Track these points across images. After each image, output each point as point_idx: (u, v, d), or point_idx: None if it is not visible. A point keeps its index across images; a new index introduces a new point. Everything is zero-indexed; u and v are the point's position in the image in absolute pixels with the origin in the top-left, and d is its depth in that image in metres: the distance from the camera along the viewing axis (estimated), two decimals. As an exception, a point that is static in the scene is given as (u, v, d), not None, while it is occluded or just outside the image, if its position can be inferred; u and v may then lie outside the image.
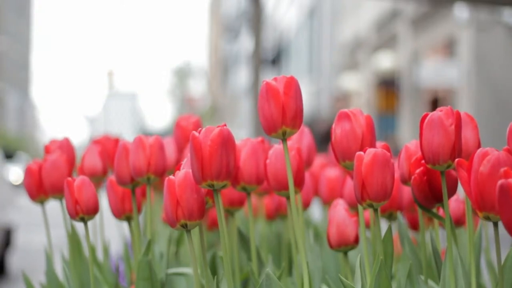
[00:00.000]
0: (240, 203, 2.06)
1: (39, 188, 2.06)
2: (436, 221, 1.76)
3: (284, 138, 1.53)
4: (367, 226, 2.02)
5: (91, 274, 1.77)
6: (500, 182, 1.12)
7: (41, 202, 2.08)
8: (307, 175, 2.11)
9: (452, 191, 1.61)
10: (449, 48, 15.25)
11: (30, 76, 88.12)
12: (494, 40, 13.66)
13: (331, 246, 1.74)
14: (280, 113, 1.50)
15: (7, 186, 8.14)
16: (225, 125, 1.48)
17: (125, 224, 3.66)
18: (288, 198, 1.73)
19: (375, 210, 1.47)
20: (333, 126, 1.59)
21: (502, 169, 1.18)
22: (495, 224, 1.34)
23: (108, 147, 2.37)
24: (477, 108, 13.32)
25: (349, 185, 2.08)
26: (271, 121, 1.51)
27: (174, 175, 1.50)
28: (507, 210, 1.12)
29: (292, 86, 1.51)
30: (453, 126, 1.45)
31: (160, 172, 1.81)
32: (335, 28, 24.71)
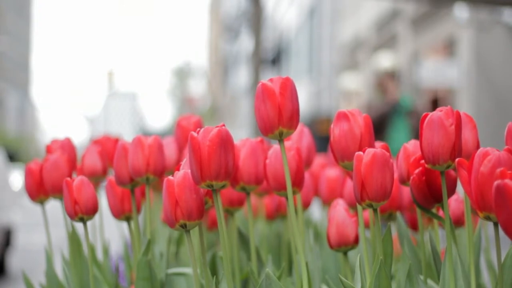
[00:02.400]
0: (239, 203, 2.06)
1: (39, 188, 2.06)
2: (435, 221, 1.76)
3: (280, 138, 1.53)
4: (367, 226, 2.02)
5: (91, 274, 1.77)
6: (496, 183, 1.12)
7: (41, 202, 2.08)
8: (307, 175, 2.12)
9: (451, 191, 1.61)
10: (449, 48, 15.25)
11: (30, 76, 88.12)
12: (494, 40, 13.65)
13: (331, 246, 1.74)
14: (277, 114, 1.51)
15: (10, 187, 8.14)
16: (223, 125, 1.48)
17: (125, 224, 3.66)
18: (287, 198, 1.73)
19: (375, 210, 1.47)
20: (332, 126, 1.59)
21: (498, 170, 1.18)
22: (495, 224, 1.34)
23: (108, 147, 2.37)
24: (477, 108, 13.32)
25: (349, 185, 2.08)
26: (267, 121, 1.51)
27: (173, 175, 1.50)
28: (504, 211, 1.12)
29: (288, 86, 1.51)
30: (453, 126, 1.45)
31: (159, 172, 1.81)
32: (335, 28, 24.70)
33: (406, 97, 7.35)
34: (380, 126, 6.92)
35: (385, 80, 7.29)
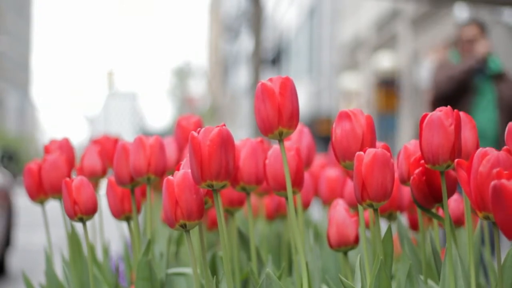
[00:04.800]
0: (239, 203, 2.06)
1: (38, 188, 2.06)
2: (435, 221, 1.76)
3: (280, 138, 1.53)
4: (367, 226, 2.02)
5: (91, 274, 1.77)
6: (493, 183, 1.13)
7: (41, 202, 2.08)
8: (307, 175, 2.11)
9: (451, 191, 1.61)
10: (449, 48, 15.24)
11: (30, 76, 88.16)
12: (494, 40, 13.65)
13: (331, 246, 1.74)
14: (276, 114, 1.51)
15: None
16: (224, 125, 1.48)
17: (125, 224, 3.66)
18: (287, 198, 1.73)
19: (375, 210, 1.47)
20: (333, 125, 1.59)
21: (494, 170, 1.18)
22: (495, 224, 1.34)
23: (107, 147, 2.37)
24: (477, 108, 13.31)
25: (349, 185, 2.08)
26: (267, 122, 1.51)
27: (173, 175, 1.50)
28: (501, 211, 1.12)
29: (288, 86, 1.52)
30: (452, 126, 1.45)
31: (160, 172, 1.81)
32: (335, 28, 24.70)
33: (494, 57, 5.14)
34: (462, 89, 4.88)
35: (473, 32, 5.02)
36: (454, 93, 4.89)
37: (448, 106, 1.48)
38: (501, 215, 1.13)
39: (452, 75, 4.86)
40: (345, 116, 1.57)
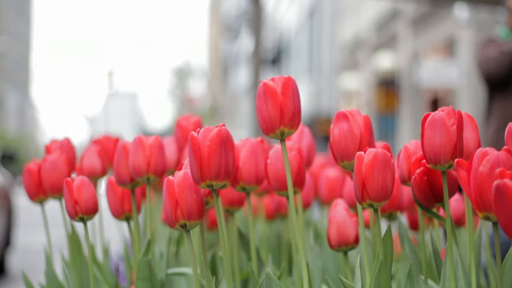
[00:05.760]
0: (239, 203, 2.06)
1: (38, 188, 2.06)
2: (436, 221, 1.76)
3: (282, 138, 1.53)
4: (367, 226, 2.02)
5: (91, 274, 1.77)
6: (495, 182, 1.12)
7: (41, 202, 2.08)
8: (307, 175, 2.11)
9: (452, 191, 1.60)
10: (449, 48, 15.24)
11: (30, 76, 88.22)
12: (494, 40, 13.62)
13: (331, 246, 1.74)
14: (278, 114, 1.50)
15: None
16: (223, 125, 1.48)
17: (125, 224, 3.66)
18: (288, 198, 1.73)
19: (375, 210, 1.47)
20: (331, 126, 1.59)
21: (497, 170, 1.18)
22: (495, 224, 1.34)
23: (107, 147, 2.37)
24: (477, 108, 13.32)
25: (349, 185, 2.07)
26: (269, 121, 1.51)
27: (173, 175, 1.50)
28: (503, 211, 1.12)
29: (290, 86, 1.51)
30: (455, 126, 1.45)
31: (159, 172, 1.81)
32: (335, 28, 24.70)
33: None
34: None
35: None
36: (506, 73, 3.91)
37: (450, 107, 1.48)
38: (503, 215, 1.13)
39: (505, 50, 3.92)
40: (343, 116, 1.57)
